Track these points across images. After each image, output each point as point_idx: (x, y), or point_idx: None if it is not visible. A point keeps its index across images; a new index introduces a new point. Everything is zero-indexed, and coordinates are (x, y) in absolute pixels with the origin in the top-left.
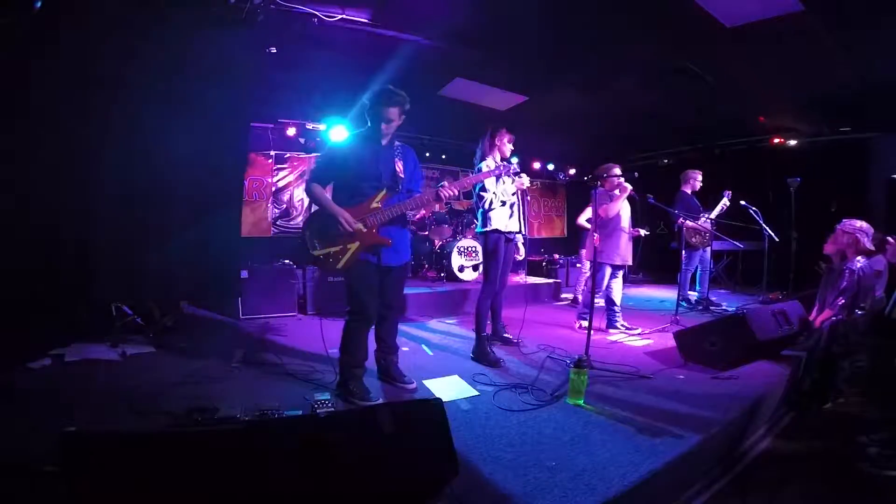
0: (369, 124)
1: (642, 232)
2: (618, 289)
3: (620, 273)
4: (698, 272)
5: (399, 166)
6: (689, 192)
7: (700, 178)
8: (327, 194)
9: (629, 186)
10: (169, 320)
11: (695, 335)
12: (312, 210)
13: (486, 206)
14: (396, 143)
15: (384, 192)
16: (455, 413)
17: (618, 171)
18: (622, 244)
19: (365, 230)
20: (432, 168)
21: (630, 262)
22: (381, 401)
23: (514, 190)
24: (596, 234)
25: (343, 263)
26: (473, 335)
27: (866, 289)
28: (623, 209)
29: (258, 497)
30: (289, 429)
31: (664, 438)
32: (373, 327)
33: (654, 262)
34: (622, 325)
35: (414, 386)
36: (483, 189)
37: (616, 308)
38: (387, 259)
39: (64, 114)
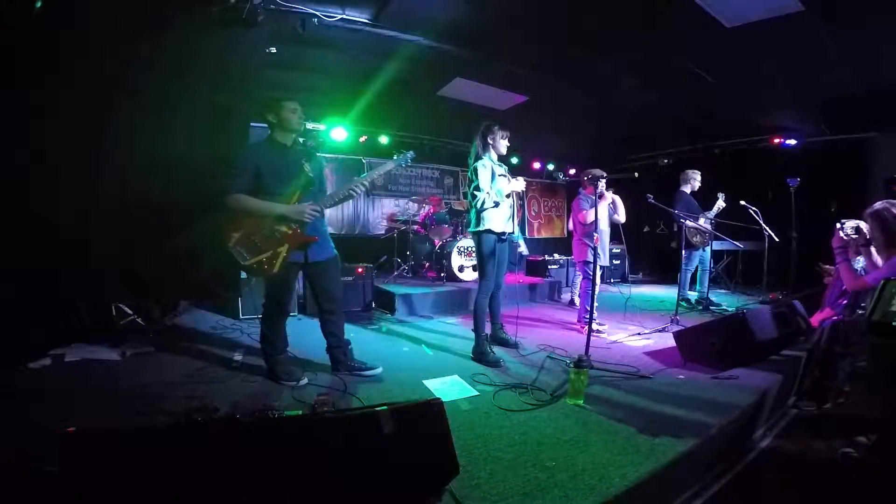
0: (273, 129)
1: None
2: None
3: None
4: (698, 272)
5: (307, 166)
6: (688, 191)
7: (699, 177)
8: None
9: (608, 196)
10: (169, 320)
11: (695, 335)
12: (231, 221)
13: (479, 205)
14: (300, 142)
15: (298, 192)
16: (455, 413)
17: (602, 181)
18: (599, 247)
19: (290, 231)
20: (432, 168)
21: (606, 263)
22: (305, 381)
23: (509, 192)
24: (596, 234)
25: (277, 267)
26: (473, 335)
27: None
28: (602, 213)
29: (258, 497)
30: (289, 429)
31: (664, 438)
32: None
33: (654, 261)
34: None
35: (379, 370)
36: (476, 188)
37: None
38: (314, 255)
39: (63, 114)
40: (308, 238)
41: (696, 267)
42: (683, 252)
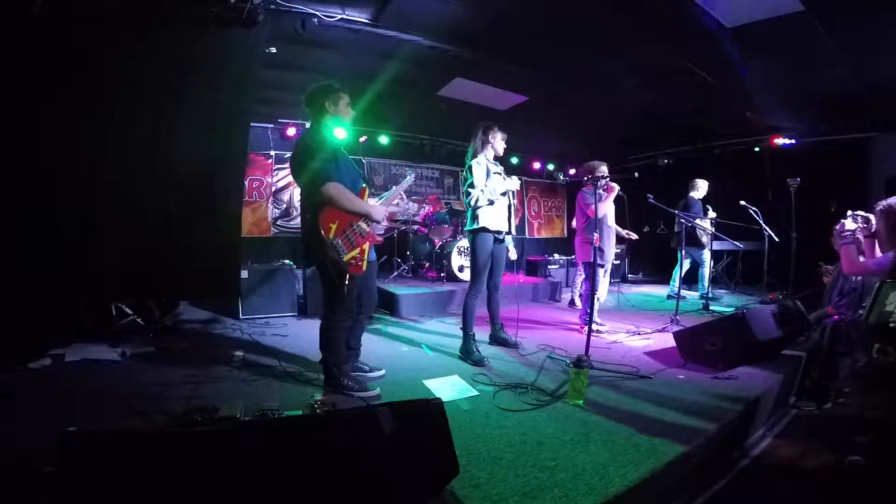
0: (325, 118)
1: (633, 236)
2: (602, 287)
3: (602, 271)
4: (677, 270)
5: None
6: (696, 197)
7: (706, 186)
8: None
9: (616, 186)
10: (169, 320)
11: (695, 335)
12: (326, 212)
13: (473, 203)
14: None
15: (366, 189)
16: (455, 413)
17: (604, 169)
18: (605, 244)
19: (369, 230)
20: (432, 168)
21: (611, 259)
22: (377, 392)
23: (504, 189)
24: (596, 234)
25: (365, 265)
26: None
27: (870, 288)
28: (608, 209)
29: (258, 497)
30: (289, 429)
31: (664, 438)
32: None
33: (655, 261)
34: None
35: (382, 373)
36: (471, 185)
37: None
38: (371, 255)
39: (63, 113)
40: (378, 238)
41: (681, 265)
42: (695, 252)
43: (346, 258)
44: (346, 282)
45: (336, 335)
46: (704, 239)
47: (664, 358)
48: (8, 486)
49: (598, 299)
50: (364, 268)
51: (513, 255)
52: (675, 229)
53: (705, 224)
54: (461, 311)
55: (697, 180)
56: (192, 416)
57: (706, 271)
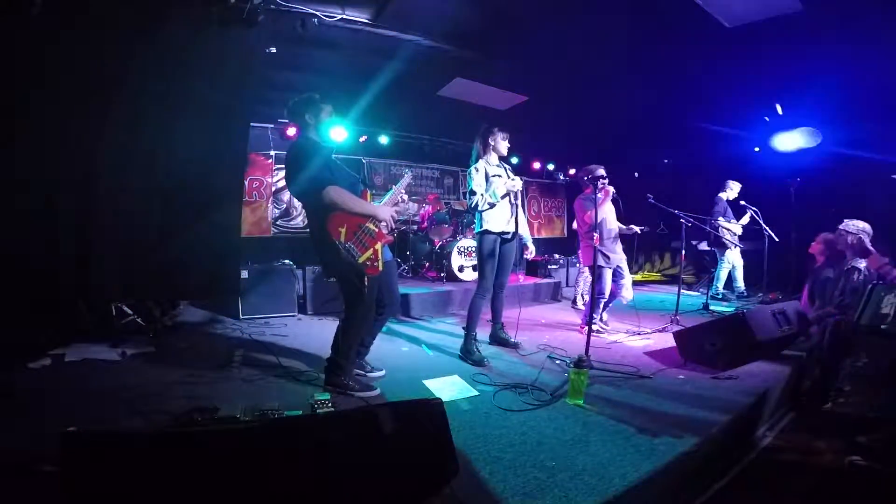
0: (307, 129)
1: (637, 229)
2: (627, 287)
3: (613, 272)
4: (718, 270)
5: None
6: (724, 198)
7: (738, 188)
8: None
9: (611, 189)
10: (169, 320)
11: (694, 335)
12: (332, 217)
13: (473, 207)
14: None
15: (367, 191)
16: (455, 413)
17: (601, 172)
18: (608, 246)
19: (378, 230)
20: (432, 168)
21: (617, 261)
22: (378, 392)
23: (505, 192)
24: (595, 234)
25: (380, 265)
26: None
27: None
28: (607, 211)
29: (258, 497)
30: (289, 429)
31: (664, 438)
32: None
33: (654, 261)
34: (600, 322)
35: (382, 372)
36: (472, 192)
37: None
38: (388, 254)
39: (63, 114)
40: (389, 237)
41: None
42: (717, 251)
43: (360, 260)
44: (366, 283)
45: (352, 338)
46: (728, 237)
47: (664, 358)
48: (8, 486)
49: (623, 299)
50: (380, 268)
51: (530, 253)
52: (706, 229)
53: (729, 225)
54: (462, 310)
55: (731, 181)
56: (192, 416)
57: (722, 272)
